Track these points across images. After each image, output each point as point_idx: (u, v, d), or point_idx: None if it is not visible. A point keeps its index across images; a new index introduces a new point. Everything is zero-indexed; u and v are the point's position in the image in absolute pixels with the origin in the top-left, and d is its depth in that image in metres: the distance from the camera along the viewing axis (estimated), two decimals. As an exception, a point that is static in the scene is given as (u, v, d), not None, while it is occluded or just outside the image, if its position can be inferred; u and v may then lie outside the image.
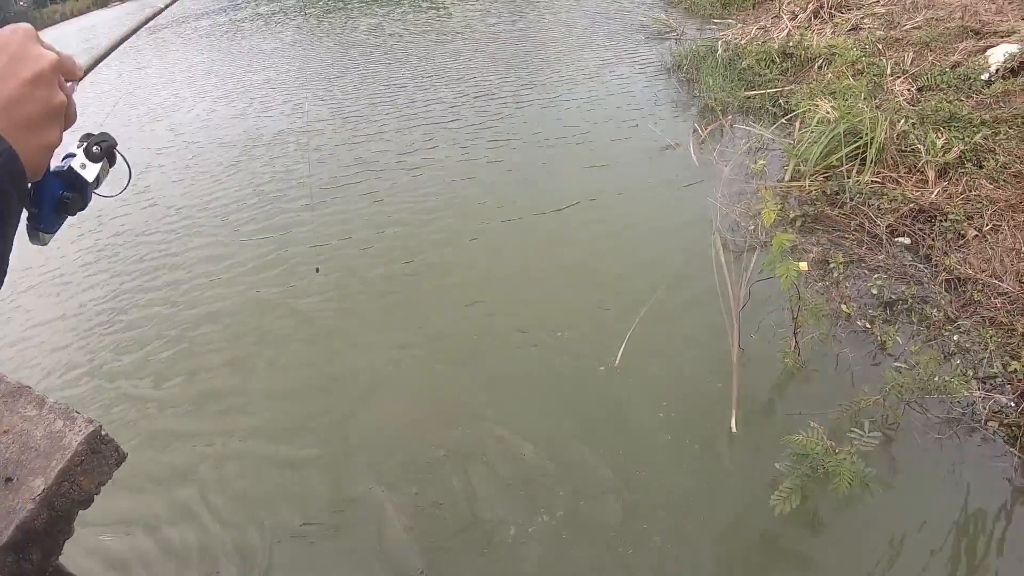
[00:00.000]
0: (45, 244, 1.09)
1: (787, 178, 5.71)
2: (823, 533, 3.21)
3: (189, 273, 6.94)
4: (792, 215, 5.19)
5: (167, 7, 1.71)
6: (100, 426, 2.46)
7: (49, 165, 1.02)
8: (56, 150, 0.96)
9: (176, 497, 4.26)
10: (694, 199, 5.92)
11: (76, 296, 6.96)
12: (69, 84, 0.99)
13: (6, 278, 0.84)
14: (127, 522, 4.19)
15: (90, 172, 1.09)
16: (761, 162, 6.01)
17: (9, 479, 2.28)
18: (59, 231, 1.08)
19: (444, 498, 3.77)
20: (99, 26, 45.12)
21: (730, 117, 7.29)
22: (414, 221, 6.74)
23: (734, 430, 3.70)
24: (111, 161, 1.14)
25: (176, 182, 10.02)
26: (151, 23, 1.61)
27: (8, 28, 0.88)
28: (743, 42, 9.24)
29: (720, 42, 9.34)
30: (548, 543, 3.42)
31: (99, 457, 2.43)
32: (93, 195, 1.10)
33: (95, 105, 19.28)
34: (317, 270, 5.66)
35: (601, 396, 4.17)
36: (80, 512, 2.42)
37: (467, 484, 3.84)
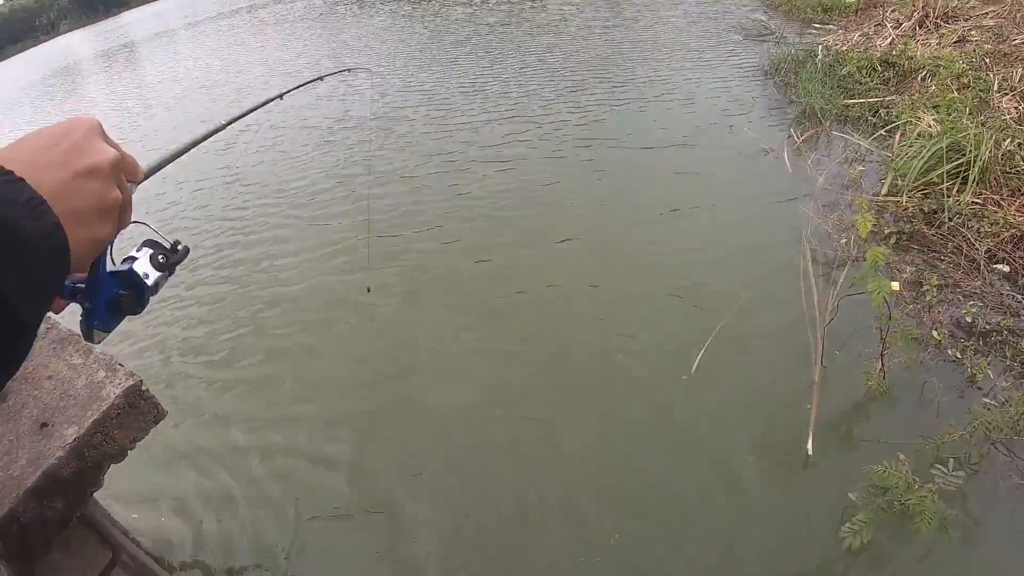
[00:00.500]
0: (99, 342, 1.10)
1: (884, 192, 5.53)
2: (888, 574, 3.05)
3: (261, 254, 7.12)
4: (887, 231, 5.03)
5: (228, 124, 1.77)
6: (141, 381, 2.50)
7: (106, 263, 1.04)
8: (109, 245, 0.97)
9: (212, 475, 4.46)
10: (785, 207, 5.80)
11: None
12: (129, 184, 1.00)
13: None
14: (158, 493, 4.40)
15: (151, 278, 1.11)
16: (860, 168, 5.85)
17: (45, 424, 2.34)
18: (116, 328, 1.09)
19: (501, 510, 3.79)
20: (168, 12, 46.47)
21: (827, 125, 7.10)
22: (494, 218, 6.77)
23: (810, 453, 3.59)
24: (173, 271, 1.17)
25: (257, 164, 10.23)
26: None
27: (74, 119, 0.90)
28: (844, 48, 8.98)
29: (820, 47, 9.11)
30: (593, 555, 3.41)
31: (136, 412, 2.46)
32: (149, 299, 1.11)
33: (190, 78, 19.86)
34: (368, 290, 5.69)
35: (673, 405, 4.13)
36: (112, 467, 2.46)
37: (523, 490, 3.86)
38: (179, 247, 1.18)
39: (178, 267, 1.17)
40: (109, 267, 1.07)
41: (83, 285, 1.03)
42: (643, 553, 3.38)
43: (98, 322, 1.05)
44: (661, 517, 3.52)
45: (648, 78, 10.01)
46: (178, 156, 1.37)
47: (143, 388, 2.51)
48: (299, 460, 4.41)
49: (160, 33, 36.03)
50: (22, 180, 0.77)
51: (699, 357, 4.12)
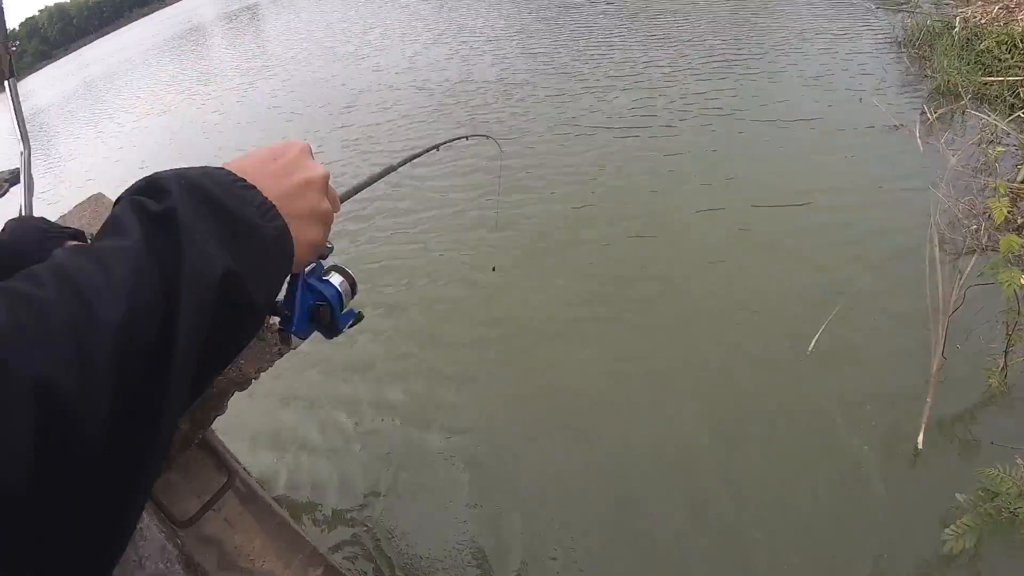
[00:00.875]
0: (294, 348, 1.19)
1: (1019, 178, 5.34)
2: None
3: (372, 225, 7.33)
4: (1020, 220, 4.89)
5: (400, 165, 1.94)
6: (268, 315, 2.61)
7: (305, 276, 1.15)
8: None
9: (315, 418, 4.84)
10: (914, 188, 5.68)
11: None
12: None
13: None
14: (263, 430, 4.79)
15: (343, 298, 1.20)
16: (999, 148, 5.66)
17: None
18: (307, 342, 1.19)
19: (599, 475, 3.94)
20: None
21: (963, 103, 6.84)
22: (611, 191, 6.84)
23: (920, 447, 3.56)
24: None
25: (373, 124, 10.42)
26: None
27: (288, 142, 1.02)
28: (983, 21, 8.57)
29: (958, 19, 8.72)
30: (693, 526, 3.50)
31: (264, 344, 2.58)
32: (342, 328, 1.21)
33: (312, 38, 20.24)
34: (493, 269, 5.80)
35: (786, 383, 4.19)
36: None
37: (630, 452, 4.01)
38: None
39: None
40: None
41: (283, 296, 1.13)
42: (744, 518, 3.49)
43: (296, 328, 1.15)
44: (763, 491, 3.61)
45: (776, 45, 9.81)
46: (358, 191, 1.57)
47: (271, 321, 2.64)
48: (400, 411, 4.72)
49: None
50: (254, 187, 0.87)
51: (816, 337, 4.11)
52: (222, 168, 0.87)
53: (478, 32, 15.03)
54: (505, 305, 5.52)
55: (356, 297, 1.25)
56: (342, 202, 1.28)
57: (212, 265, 0.74)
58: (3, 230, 1.36)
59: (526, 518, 3.76)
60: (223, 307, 0.76)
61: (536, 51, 12.23)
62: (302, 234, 0.95)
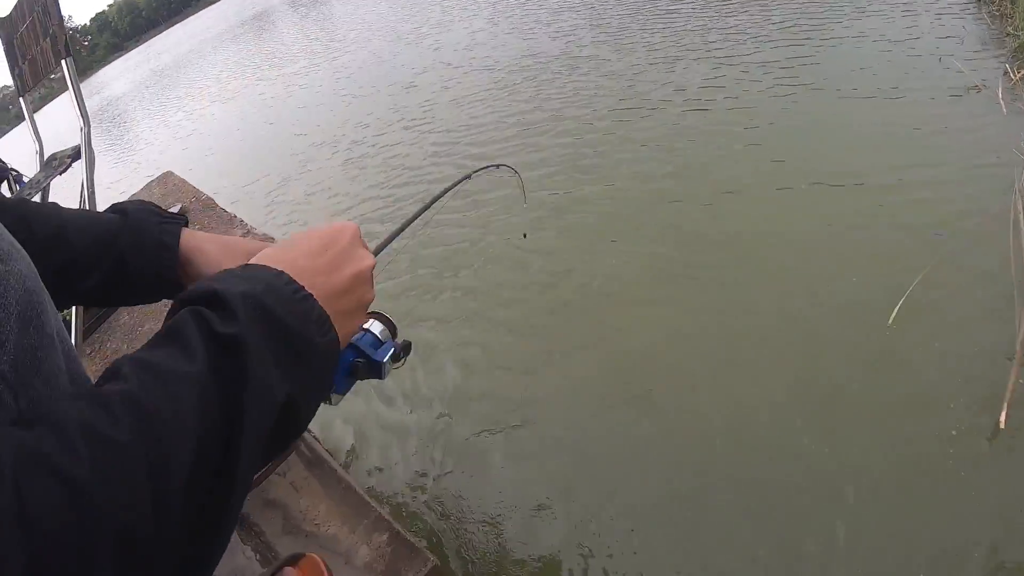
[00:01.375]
0: (335, 404, 1.17)
1: (1111, 142, 5.02)
2: None
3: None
4: (1114, 186, 4.58)
5: (446, 191, 1.89)
6: None
7: None
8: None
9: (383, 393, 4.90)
10: (995, 152, 5.44)
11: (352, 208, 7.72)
12: None
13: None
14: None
15: (381, 354, 1.17)
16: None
17: None
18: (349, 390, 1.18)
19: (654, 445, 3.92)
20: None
21: (1050, 60, 6.50)
22: (679, 168, 6.74)
23: (1002, 426, 3.41)
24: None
25: (438, 101, 10.45)
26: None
27: (339, 225, 1.04)
28: (1073, -28, 8.12)
29: (1044, -30, 8.28)
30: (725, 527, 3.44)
31: None
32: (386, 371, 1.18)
33: (379, 21, 20.37)
34: (525, 235, 5.75)
35: (864, 355, 4.06)
36: None
37: (690, 418, 4.01)
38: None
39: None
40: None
41: None
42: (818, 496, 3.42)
43: (336, 387, 1.13)
44: (839, 462, 3.53)
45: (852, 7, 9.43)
46: (400, 232, 1.59)
47: None
48: (462, 387, 4.79)
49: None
50: (311, 296, 0.88)
51: (896, 309, 3.99)
52: (282, 274, 0.88)
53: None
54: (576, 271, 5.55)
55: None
56: (376, 254, 1.30)
57: (274, 393, 0.76)
58: (121, 210, 1.39)
59: (593, 495, 3.74)
60: (279, 427, 0.79)
61: (601, 25, 12.05)
62: (345, 327, 0.97)
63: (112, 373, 0.70)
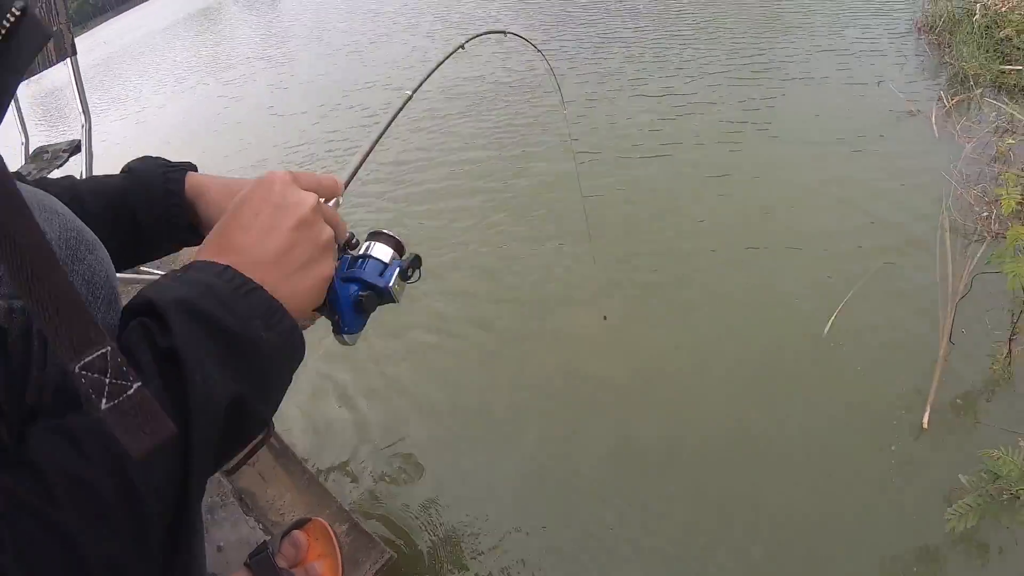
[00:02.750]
0: (352, 344, 1.16)
1: (1034, 168, 5.36)
2: (991, 565, 3.05)
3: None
4: (1032, 211, 4.90)
5: (414, 92, 1.82)
6: None
7: (339, 273, 1.11)
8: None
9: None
10: (926, 173, 5.75)
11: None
12: (333, 202, 1.13)
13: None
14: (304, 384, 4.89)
15: (386, 272, 1.14)
16: (1010, 140, 5.71)
17: None
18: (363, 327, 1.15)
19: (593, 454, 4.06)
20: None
21: (980, 91, 6.87)
22: (617, 185, 6.91)
23: (925, 427, 3.65)
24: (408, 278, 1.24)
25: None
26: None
27: (265, 181, 0.99)
28: (1004, 9, 8.52)
29: (979, 5, 8.68)
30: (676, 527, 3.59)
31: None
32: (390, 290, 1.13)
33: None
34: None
35: (800, 364, 4.28)
36: None
37: (625, 423, 4.14)
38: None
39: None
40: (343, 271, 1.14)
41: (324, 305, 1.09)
42: (739, 490, 3.60)
43: (347, 327, 1.12)
44: (764, 462, 3.73)
45: (796, 31, 9.80)
46: (366, 157, 1.46)
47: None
48: (421, 380, 4.88)
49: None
50: (258, 287, 0.88)
51: (831, 321, 4.23)
52: (226, 270, 0.87)
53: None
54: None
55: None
56: (352, 178, 1.32)
57: (217, 397, 0.77)
58: (128, 168, 1.42)
59: (552, 491, 3.87)
60: (231, 426, 0.81)
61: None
62: (310, 280, 0.98)
63: (75, 398, 0.70)
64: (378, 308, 1.15)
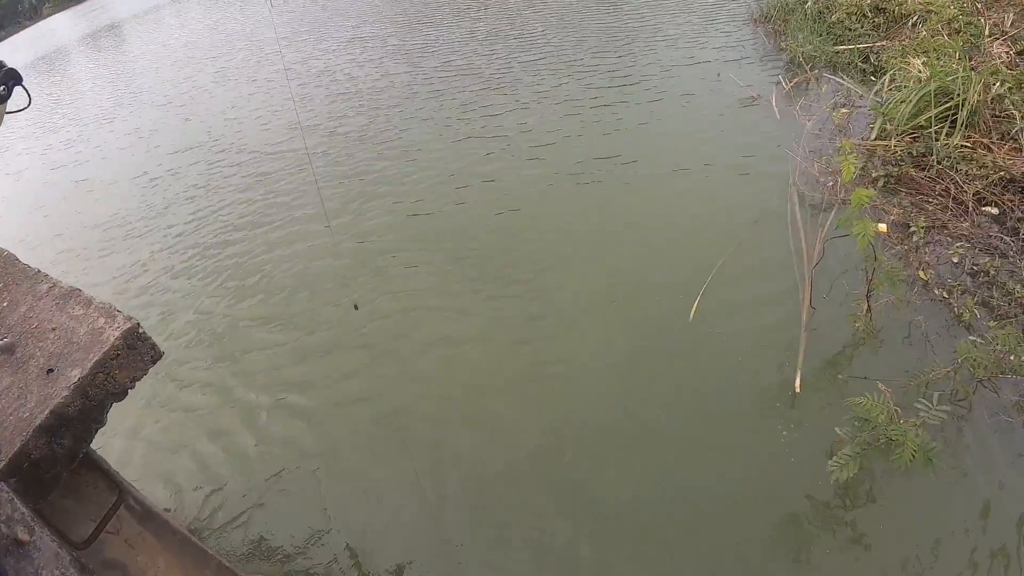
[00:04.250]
0: None
1: (873, 136, 5.50)
2: (877, 506, 3.12)
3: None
4: (875, 174, 5.03)
5: None
6: (138, 324, 2.64)
7: None
8: None
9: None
10: (772, 153, 5.81)
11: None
12: None
13: None
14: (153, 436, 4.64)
15: None
16: (843, 110, 5.87)
17: (51, 370, 2.49)
18: None
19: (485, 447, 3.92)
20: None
21: (816, 72, 7.07)
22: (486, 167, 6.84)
23: (797, 391, 3.65)
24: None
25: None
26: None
27: None
28: (833, -6, 8.89)
29: (811, -7, 9.03)
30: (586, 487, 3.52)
31: (135, 353, 2.62)
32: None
33: (178, 46, 19.53)
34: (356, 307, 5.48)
35: (672, 350, 4.20)
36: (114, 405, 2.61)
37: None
38: None
39: None
40: None
41: None
42: (629, 478, 3.52)
43: None
44: (649, 446, 3.67)
45: (639, 26, 9.92)
46: None
47: (140, 330, 2.66)
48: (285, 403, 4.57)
49: (146, 11, 34.60)
50: None
51: (695, 304, 4.17)
52: None
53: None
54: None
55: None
56: None
57: None
58: None
59: (431, 504, 3.70)
60: None
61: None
62: None
63: None
64: None
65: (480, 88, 9.07)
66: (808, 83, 6.96)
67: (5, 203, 10.80)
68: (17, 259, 3.31)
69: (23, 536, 2.03)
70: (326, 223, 6.41)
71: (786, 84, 6.93)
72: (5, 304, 2.95)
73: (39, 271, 3.12)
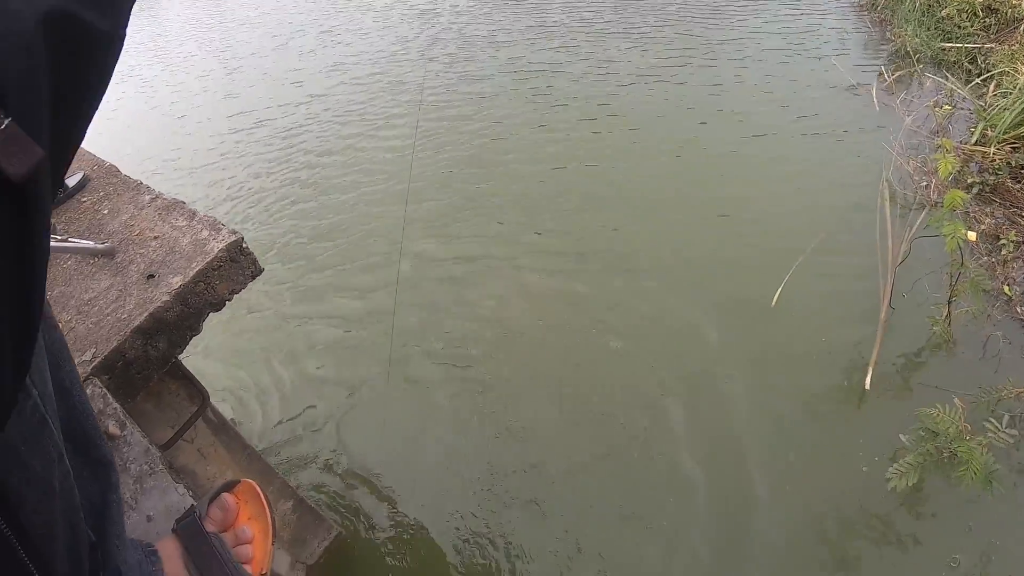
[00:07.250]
0: None
1: (972, 141, 5.37)
2: (930, 521, 3.08)
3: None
4: (970, 180, 4.89)
5: None
6: (242, 238, 2.70)
7: None
8: None
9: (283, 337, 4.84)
10: (869, 145, 5.70)
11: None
12: None
13: None
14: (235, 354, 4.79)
15: None
16: (947, 107, 5.71)
17: (151, 275, 2.56)
18: None
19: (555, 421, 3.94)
20: None
21: (920, 67, 6.87)
22: (574, 147, 6.80)
23: (867, 388, 3.64)
24: None
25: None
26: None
27: None
28: (947, -13, 8.59)
29: (922, -17, 8.73)
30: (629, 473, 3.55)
31: (236, 266, 2.67)
32: None
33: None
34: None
35: (750, 332, 4.21)
36: (211, 315, 2.68)
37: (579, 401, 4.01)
38: None
39: None
40: None
41: None
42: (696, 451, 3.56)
43: None
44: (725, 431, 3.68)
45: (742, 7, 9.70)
46: None
47: (244, 244, 2.71)
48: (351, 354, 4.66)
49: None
50: None
51: (779, 291, 4.14)
52: None
53: None
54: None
55: None
56: None
57: (29, 6, 0.65)
58: None
59: (501, 468, 3.74)
60: (59, 46, 0.69)
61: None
62: None
63: None
64: None
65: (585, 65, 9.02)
66: (911, 78, 6.77)
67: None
68: (119, 170, 3.40)
69: (114, 430, 2.12)
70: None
71: (888, 76, 6.75)
72: (106, 212, 3.03)
73: (141, 182, 3.21)
